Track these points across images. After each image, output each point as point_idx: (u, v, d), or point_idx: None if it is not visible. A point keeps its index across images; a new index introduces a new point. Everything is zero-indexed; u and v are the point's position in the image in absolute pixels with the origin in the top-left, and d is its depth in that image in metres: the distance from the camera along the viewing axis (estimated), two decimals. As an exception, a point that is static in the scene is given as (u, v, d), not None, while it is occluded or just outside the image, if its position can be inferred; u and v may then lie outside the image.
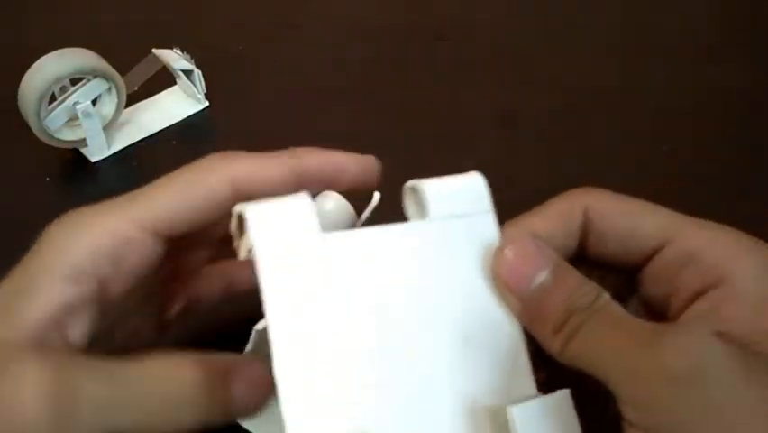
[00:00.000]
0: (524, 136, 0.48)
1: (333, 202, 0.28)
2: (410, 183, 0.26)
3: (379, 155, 0.47)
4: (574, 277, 0.24)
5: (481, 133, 0.49)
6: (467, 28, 0.58)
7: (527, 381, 0.25)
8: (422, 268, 0.25)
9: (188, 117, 0.50)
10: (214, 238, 0.30)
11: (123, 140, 0.48)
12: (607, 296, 0.24)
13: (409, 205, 0.27)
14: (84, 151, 0.47)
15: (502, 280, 0.25)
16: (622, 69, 0.54)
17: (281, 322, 0.22)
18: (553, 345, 0.24)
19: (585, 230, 0.26)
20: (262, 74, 0.54)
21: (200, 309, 0.31)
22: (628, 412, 0.22)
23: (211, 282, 0.32)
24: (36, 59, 0.43)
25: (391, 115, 0.50)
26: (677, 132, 0.48)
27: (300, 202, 0.24)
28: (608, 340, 0.22)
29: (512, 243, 0.25)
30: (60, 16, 0.60)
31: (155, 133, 0.48)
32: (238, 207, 0.24)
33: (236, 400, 0.24)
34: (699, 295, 0.24)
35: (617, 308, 0.23)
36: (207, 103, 0.50)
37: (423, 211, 0.26)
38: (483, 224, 0.26)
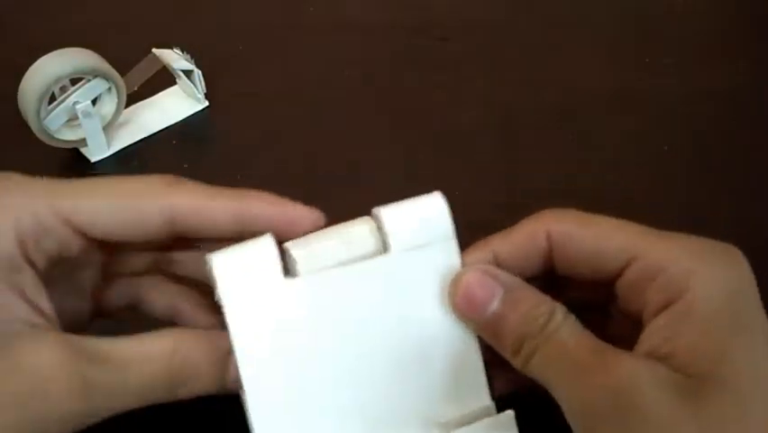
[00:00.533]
0: (524, 136, 0.48)
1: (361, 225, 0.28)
2: (375, 210, 0.27)
3: (378, 155, 0.47)
4: (526, 302, 0.25)
5: (481, 133, 0.49)
6: (467, 28, 0.58)
7: (484, 394, 0.27)
8: (384, 303, 0.26)
9: (188, 117, 0.50)
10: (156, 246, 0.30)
11: (123, 140, 0.48)
12: (559, 317, 0.25)
13: (375, 234, 0.27)
14: (84, 151, 0.47)
15: (458, 311, 0.26)
16: (622, 69, 0.54)
17: (248, 363, 0.25)
18: (515, 365, 0.25)
19: (550, 253, 0.27)
20: (262, 74, 0.54)
21: (142, 312, 0.32)
22: (573, 428, 0.23)
23: (154, 295, 0.32)
24: (36, 59, 0.43)
25: (391, 114, 0.50)
26: (677, 132, 0.48)
27: (264, 247, 0.26)
28: (554, 368, 0.24)
29: (465, 273, 0.26)
30: (60, 16, 0.60)
31: (155, 133, 0.48)
32: (207, 256, 0.25)
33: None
34: (663, 310, 0.24)
35: (567, 329, 0.24)
36: (207, 103, 0.50)
37: (384, 244, 0.27)
38: (445, 251, 0.27)
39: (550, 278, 0.28)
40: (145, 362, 0.25)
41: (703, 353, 0.23)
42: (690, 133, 0.48)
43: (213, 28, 0.58)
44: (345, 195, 0.44)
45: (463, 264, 0.27)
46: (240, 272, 0.25)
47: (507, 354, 0.25)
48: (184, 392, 0.26)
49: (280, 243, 0.26)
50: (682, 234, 0.25)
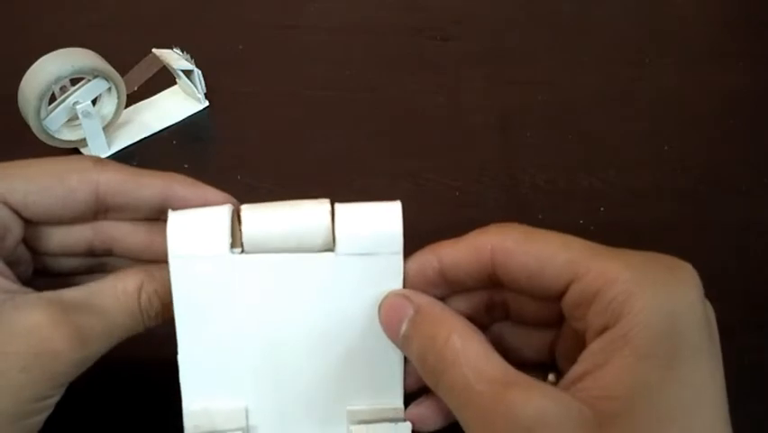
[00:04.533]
0: (524, 136, 0.48)
1: (314, 204, 0.29)
2: (336, 207, 0.28)
3: (378, 154, 0.47)
4: (428, 322, 0.26)
5: (481, 133, 0.49)
6: (467, 28, 0.58)
7: (397, 395, 0.29)
8: (320, 295, 0.28)
9: (188, 117, 0.50)
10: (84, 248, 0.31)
11: (123, 140, 0.48)
12: (457, 341, 0.24)
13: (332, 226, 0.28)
14: (84, 151, 0.47)
15: (383, 326, 0.27)
16: (622, 69, 0.54)
17: (183, 320, 0.27)
18: (430, 385, 0.25)
19: (494, 267, 0.26)
20: (262, 74, 0.54)
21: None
22: None
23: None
24: (36, 59, 0.43)
25: (391, 114, 0.50)
26: (677, 132, 0.48)
27: (219, 216, 0.27)
28: (456, 400, 0.24)
29: (387, 297, 0.27)
30: (60, 16, 0.60)
31: (155, 133, 0.48)
32: (169, 211, 0.27)
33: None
34: (601, 333, 0.23)
35: (468, 355, 0.24)
36: (207, 103, 0.50)
37: (333, 243, 0.27)
38: (389, 264, 0.27)
39: (499, 290, 0.28)
40: (119, 302, 0.27)
41: (623, 389, 0.21)
42: (690, 133, 0.48)
43: (213, 28, 0.58)
44: (345, 195, 0.44)
45: (407, 270, 0.27)
46: (190, 234, 0.27)
47: (420, 372, 0.26)
48: (153, 323, 0.28)
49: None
50: (628, 251, 0.24)
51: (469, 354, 0.24)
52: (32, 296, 0.26)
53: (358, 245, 0.27)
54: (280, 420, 0.29)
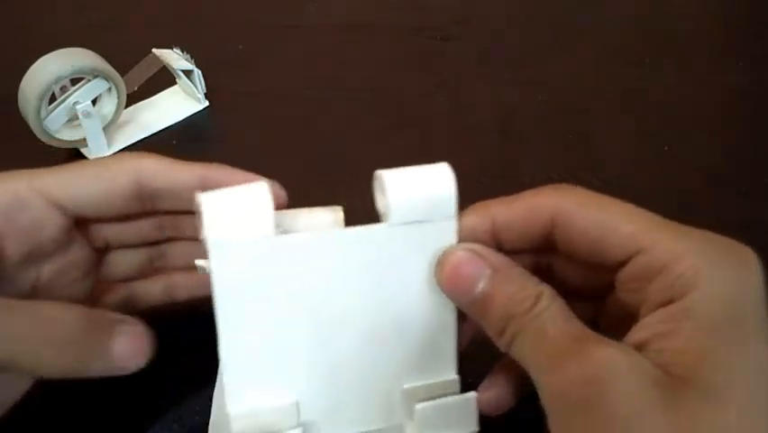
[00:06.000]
0: (524, 136, 0.48)
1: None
2: (378, 174, 0.26)
3: (378, 154, 0.47)
4: (513, 283, 0.25)
5: (481, 133, 0.49)
6: (467, 28, 0.58)
7: (451, 368, 0.27)
8: (370, 270, 0.26)
9: (188, 117, 0.50)
10: (144, 239, 0.32)
11: (124, 140, 0.48)
12: (545, 301, 0.24)
13: (378, 196, 0.27)
14: (84, 151, 0.47)
15: (444, 288, 0.26)
16: (622, 69, 0.54)
17: (225, 307, 0.25)
18: (499, 346, 0.25)
19: (551, 230, 0.26)
20: (262, 74, 0.54)
21: (138, 308, 0.33)
22: (547, 415, 0.23)
23: (151, 285, 0.33)
24: (36, 60, 0.43)
25: (391, 114, 0.50)
26: (677, 132, 0.48)
27: (259, 193, 0.24)
28: (533, 353, 0.24)
29: (453, 252, 0.26)
30: (61, 16, 0.60)
31: (155, 133, 0.48)
32: (198, 194, 0.25)
33: (116, 352, 0.26)
34: (660, 307, 0.23)
35: (552, 314, 0.24)
36: (207, 103, 0.50)
37: (385, 213, 0.26)
38: (443, 230, 0.26)
39: (547, 256, 0.27)
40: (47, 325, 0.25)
41: (691, 355, 0.22)
42: (691, 133, 0.48)
43: (213, 28, 0.58)
44: (345, 195, 0.44)
45: (459, 229, 0.26)
46: (230, 216, 0.24)
47: (491, 334, 0.25)
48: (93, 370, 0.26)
49: None
50: (694, 230, 0.24)
51: (557, 311, 0.24)
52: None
53: (412, 213, 0.25)
54: (334, 410, 0.27)
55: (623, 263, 0.24)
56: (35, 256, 0.28)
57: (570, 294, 0.26)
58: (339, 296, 0.26)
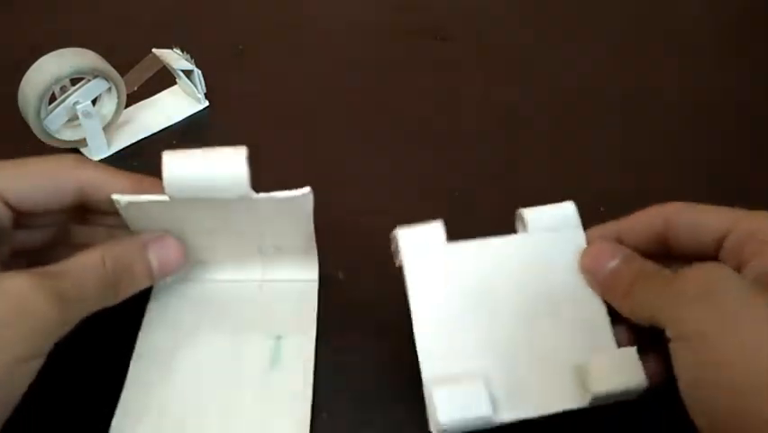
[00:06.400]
0: (524, 136, 0.48)
1: (231, 151, 0.31)
2: (519, 211, 0.35)
3: (378, 154, 0.47)
4: (638, 261, 0.32)
5: (481, 133, 0.49)
6: (467, 28, 0.58)
7: (609, 342, 0.32)
8: (521, 266, 0.34)
9: (188, 117, 0.50)
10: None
11: (123, 140, 0.48)
12: (666, 270, 0.30)
13: (518, 227, 0.35)
14: (84, 151, 0.47)
15: (584, 267, 0.33)
16: (622, 69, 0.54)
17: (419, 304, 0.32)
18: (623, 308, 0.31)
19: (665, 233, 0.33)
20: (262, 74, 0.54)
21: None
22: (668, 332, 0.27)
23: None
24: (36, 59, 0.43)
25: (391, 114, 0.50)
26: (677, 132, 0.48)
27: (434, 226, 0.34)
28: (653, 291, 0.29)
29: (593, 242, 0.34)
30: (60, 16, 0.60)
31: (155, 133, 0.49)
32: (395, 231, 0.33)
33: (158, 263, 0.33)
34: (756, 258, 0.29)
35: (668, 272, 0.30)
36: (207, 103, 0.50)
37: (525, 227, 0.34)
38: (573, 235, 0.34)
39: (660, 261, 0.32)
40: (87, 272, 0.30)
41: None
42: (691, 134, 0.48)
43: (213, 28, 0.58)
44: (345, 195, 0.44)
45: (589, 240, 0.34)
46: (416, 241, 0.33)
47: (616, 300, 0.31)
48: (124, 292, 0.32)
49: None
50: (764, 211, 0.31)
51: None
52: (14, 270, 0.28)
53: (545, 224, 0.34)
54: (513, 392, 0.31)
55: (721, 242, 0.31)
56: None
57: None
58: (499, 286, 0.33)
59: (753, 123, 0.49)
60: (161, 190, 0.31)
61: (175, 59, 0.48)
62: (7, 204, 0.31)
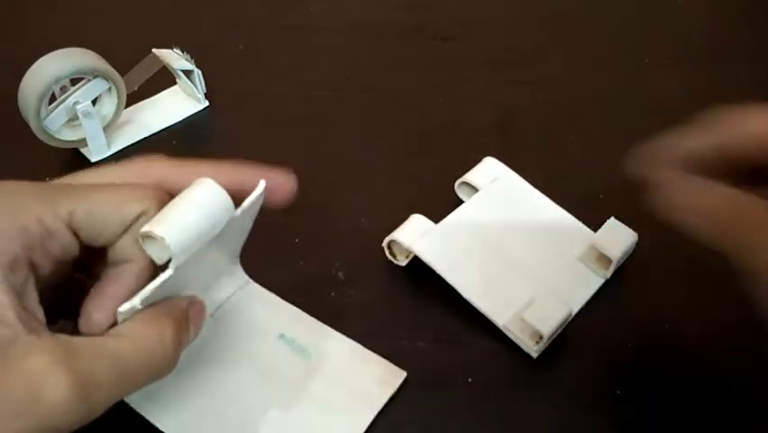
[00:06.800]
0: (524, 136, 0.48)
1: (206, 188, 0.28)
2: (458, 182, 0.43)
3: (378, 154, 0.47)
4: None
5: (481, 133, 0.49)
6: (467, 28, 0.58)
7: (582, 227, 0.41)
8: (497, 208, 0.41)
9: (188, 117, 0.50)
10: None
11: (124, 140, 0.48)
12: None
13: (463, 195, 0.43)
14: (84, 151, 0.47)
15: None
16: (622, 69, 0.54)
17: (452, 274, 0.37)
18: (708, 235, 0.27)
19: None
20: (262, 74, 0.54)
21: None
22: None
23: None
24: (36, 60, 0.43)
25: (391, 114, 0.50)
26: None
27: (415, 218, 0.39)
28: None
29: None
30: (60, 16, 0.60)
31: (155, 133, 0.49)
32: (387, 240, 0.39)
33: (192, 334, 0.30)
34: None
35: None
36: (207, 103, 0.50)
37: (475, 189, 0.42)
38: (509, 178, 0.43)
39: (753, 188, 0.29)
40: (140, 347, 0.26)
41: None
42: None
43: (213, 28, 0.58)
44: (345, 195, 0.44)
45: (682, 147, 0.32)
46: (411, 233, 0.38)
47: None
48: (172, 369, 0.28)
49: None
50: None
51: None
52: (44, 336, 0.25)
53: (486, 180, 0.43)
54: (560, 295, 0.37)
55: None
56: (57, 275, 0.28)
57: None
58: (495, 231, 0.40)
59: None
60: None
61: (175, 59, 0.48)
62: (72, 229, 0.27)
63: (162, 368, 0.28)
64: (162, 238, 0.26)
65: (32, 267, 0.26)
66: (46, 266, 0.27)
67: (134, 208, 0.27)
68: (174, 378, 0.30)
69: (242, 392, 0.33)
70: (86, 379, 0.24)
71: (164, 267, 0.28)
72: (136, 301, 0.27)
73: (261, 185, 0.30)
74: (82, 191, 0.28)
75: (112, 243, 0.28)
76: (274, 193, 0.30)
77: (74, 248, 0.28)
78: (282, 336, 0.35)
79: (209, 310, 0.33)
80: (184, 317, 0.29)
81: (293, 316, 0.36)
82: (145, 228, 0.27)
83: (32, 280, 0.26)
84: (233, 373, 0.33)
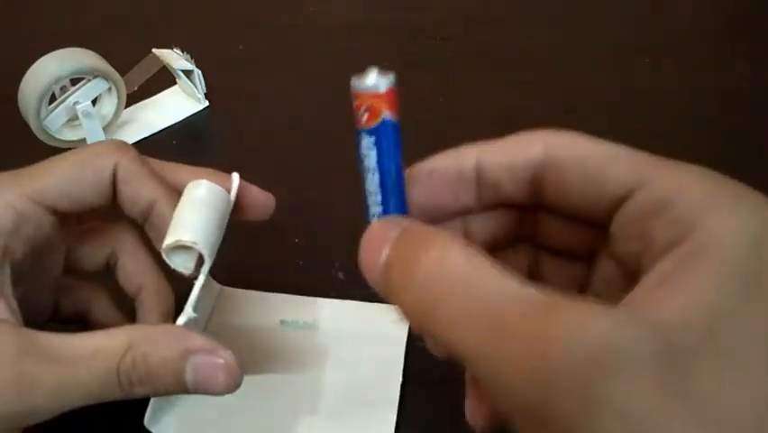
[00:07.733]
0: (524, 136, 0.48)
1: (205, 188, 0.30)
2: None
3: (379, 155, 0.47)
4: (414, 242, 0.20)
5: (481, 133, 0.48)
6: (467, 28, 0.58)
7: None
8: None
9: (188, 117, 0.50)
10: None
11: (123, 139, 0.48)
12: (472, 250, 0.18)
13: None
14: (84, 151, 0.47)
15: (365, 273, 0.21)
16: (622, 69, 0.54)
17: None
18: (413, 325, 0.19)
19: (542, 172, 0.23)
20: (262, 74, 0.54)
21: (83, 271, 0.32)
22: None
23: (100, 304, 0.33)
24: (36, 60, 0.43)
25: (391, 114, 0.50)
26: (677, 132, 0.48)
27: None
28: (466, 328, 0.17)
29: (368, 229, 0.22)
30: (60, 16, 0.60)
31: (155, 133, 0.49)
32: None
33: (195, 380, 0.26)
34: (668, 252, 0.18)
35: (486, 271, 0.18)
36: (207, 103, 0.50)
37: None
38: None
39: (533, 213, 0.24)
40: (95, 358, 0.25)
41: (703, 311, 0.16)
42: (690, 133, 0.48)
43: (213, 28, 0.58)
44: (345, 194, 0.44)
45: (435, 167, 0.26)
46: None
47: (409, 317, 0.19)
48: (142, 391, 0.25)
49: None
50: (697, 166, 0.20)
51: (481, 273, 0.17)
52: (8, 328, 0.25)
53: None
54: None
55: (620, 202, 0.20)
56: (36, 254, 0.29)
57: (556, 255, 0.23)
58: None
59: (753, 123, 0.49)
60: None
61: (175, 59, 0.48)
62: (44, 206, 0.28)
63: (110, 392, 0.25)
64: (194, 243, 0.27)
65: (6, 252, 0.27)
66: (19, 250, 0.28)
67: (107, 161, 0.29)
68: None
69: (269, 390, 0.32)
70: (28, 381, 0.24)
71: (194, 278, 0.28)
72: (189, 311, 0.27)
73: (236, 178, 0.31)
74: (46, 168, 0.29)
75: (99, 202, 0.29)
76: (253, 206, 0.32)
77: (48, 225, 0.29)
78: (283, 322, 0.35)
79: (200, 325, 0.33)
80: (173, 355, 0.25)
81: (284, 301, 0.36)
82: (169, 240, 0.27)
83: (6, 267, 0.27)
84: (252, 378, 0.32)
